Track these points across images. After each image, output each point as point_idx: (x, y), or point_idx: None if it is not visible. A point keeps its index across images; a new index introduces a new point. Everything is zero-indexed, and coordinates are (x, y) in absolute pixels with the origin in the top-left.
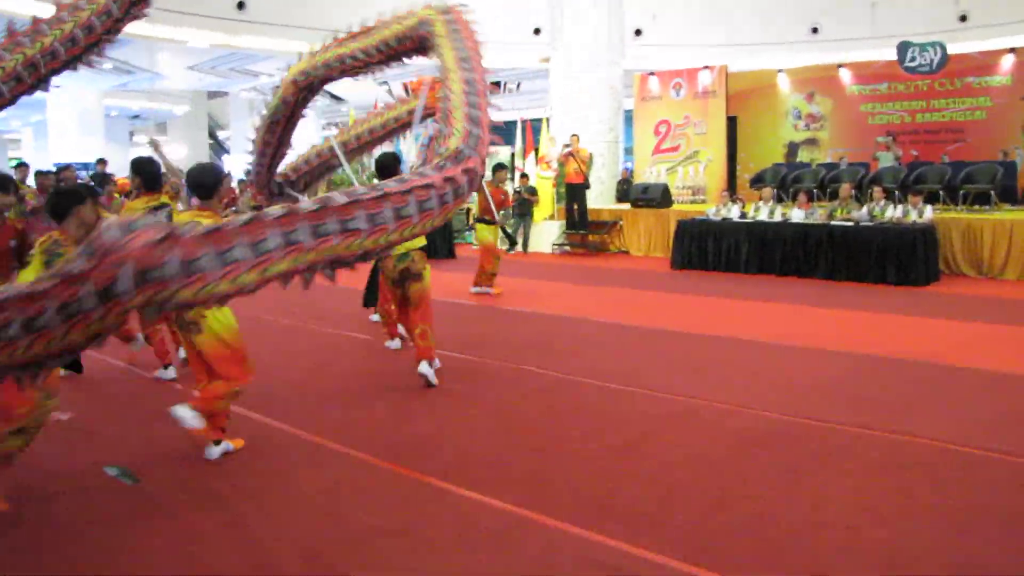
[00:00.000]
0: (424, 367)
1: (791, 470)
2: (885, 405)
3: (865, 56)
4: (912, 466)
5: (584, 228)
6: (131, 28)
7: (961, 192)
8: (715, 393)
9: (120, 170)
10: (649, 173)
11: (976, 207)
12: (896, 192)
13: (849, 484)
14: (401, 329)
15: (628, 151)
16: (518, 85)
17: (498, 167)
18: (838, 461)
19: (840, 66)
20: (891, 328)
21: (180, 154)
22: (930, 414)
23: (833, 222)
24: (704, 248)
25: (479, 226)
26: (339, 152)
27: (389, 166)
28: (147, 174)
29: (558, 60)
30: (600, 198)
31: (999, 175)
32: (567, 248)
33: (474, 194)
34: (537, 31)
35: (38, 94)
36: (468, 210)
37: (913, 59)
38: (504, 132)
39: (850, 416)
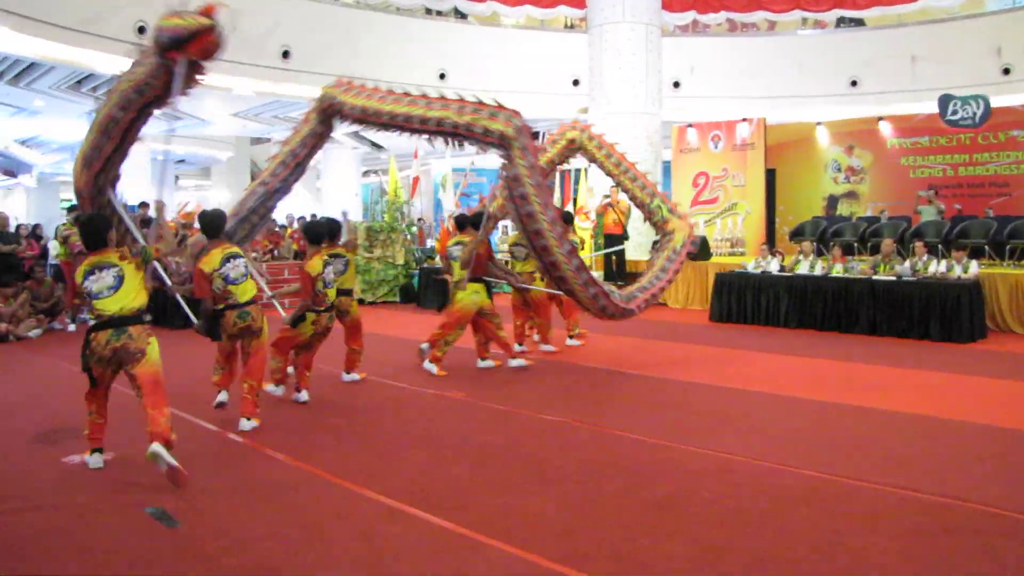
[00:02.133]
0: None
1: (832, 531)
2: (931, 466)
3: (905, 109)
4: (961, 531)
5: (622, 279)
6: None
7: (1007, 247)
8: (753, 449)
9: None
10: None
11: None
12: (939, 247)
13: (894, 548)
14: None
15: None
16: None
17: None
18: (882, 524)
19: (880, 119)
20: (936, 386)
21: (223, 198)
22: (979, 476)
23: (876, 277)
24: (743, 301)
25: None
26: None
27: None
28: (313, 234)
29: (596, 111)
30: (638, 249)
31: None
32: None
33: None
34: (576, 82)
35: None
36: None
37: (955, 112)
38: None
39: (894, 477)
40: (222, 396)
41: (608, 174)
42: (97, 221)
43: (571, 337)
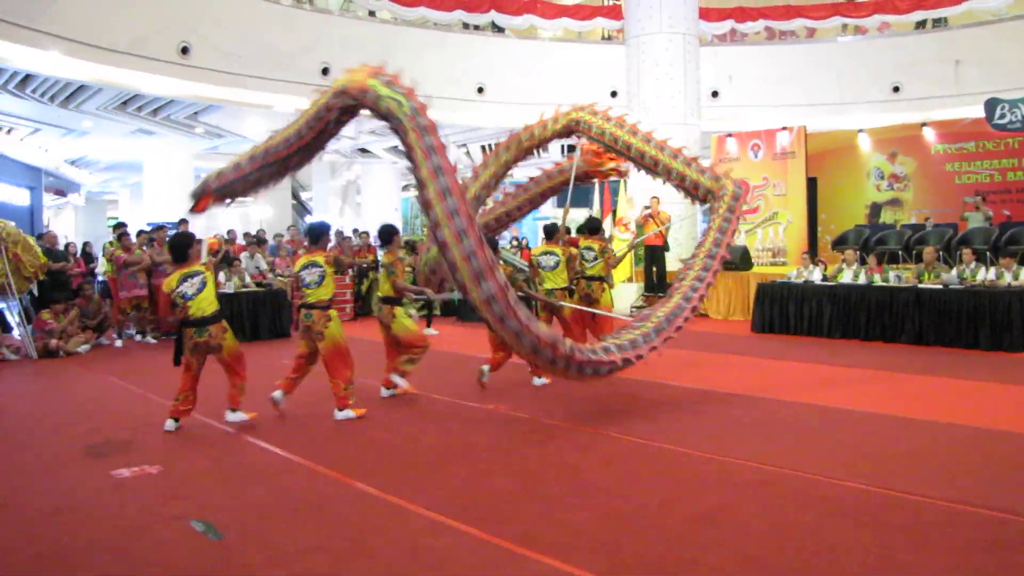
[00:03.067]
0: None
1: (880, 545)
2: (983, 479)
3: (950, 114)
4: (1017, 547)
5: (663, 290)
6: (222, 94)
7: None
8: (798, 461)
9: (205, 230)
10: None
11: None
12: (988, 254)
13: (944, 564)
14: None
15: (706, 213)
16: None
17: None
18: (933, 538)
19: (923, 124)
20: (985, 396)
21: (265, 214)
22: None
23: (921, 285)
24: (785, 311)
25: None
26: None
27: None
28: (175, 251)
29: (635, 122)
30: (679, 260)
31: None
32: (645, 310)
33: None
34: (614, 94)
35: (136, 156)
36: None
37: (1003, 116)
38: (582, 194)
39: (944, 490)
40: (276, 394)
41: (625, 150)
42: (181, 239)
43: None
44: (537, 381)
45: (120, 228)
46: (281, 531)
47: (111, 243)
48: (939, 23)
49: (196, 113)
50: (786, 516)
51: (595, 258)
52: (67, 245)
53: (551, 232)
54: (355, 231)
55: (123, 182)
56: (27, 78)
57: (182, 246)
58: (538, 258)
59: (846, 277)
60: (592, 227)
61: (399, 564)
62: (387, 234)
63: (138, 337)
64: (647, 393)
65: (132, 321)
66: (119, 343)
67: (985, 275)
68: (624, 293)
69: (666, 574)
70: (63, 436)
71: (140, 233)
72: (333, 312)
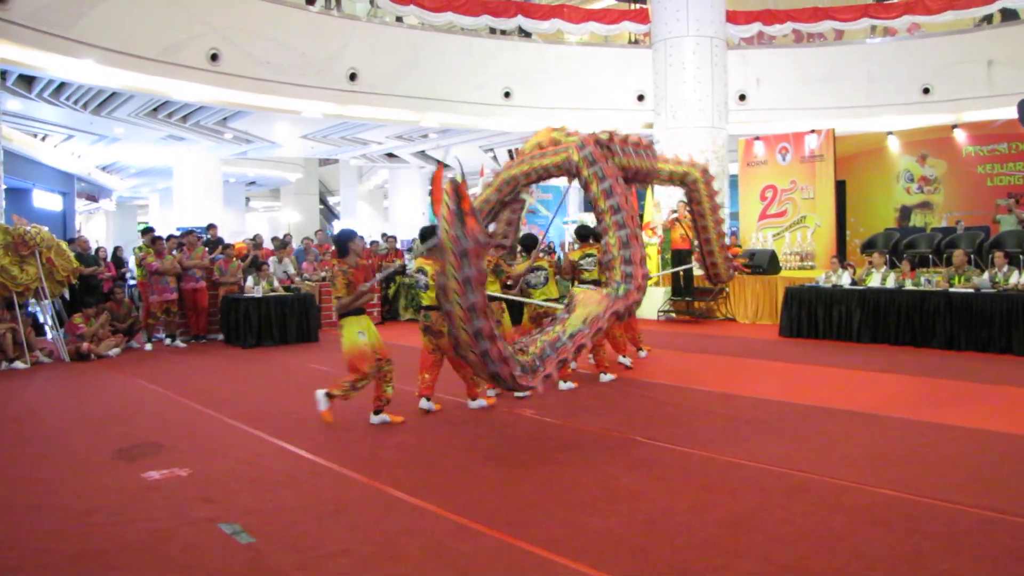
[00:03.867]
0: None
1: (912, 552)
2: (1017, 487)
3: (981, 116)
4: None
5: (690, 295)
6: (251, 100)
7: None
8: (828, 467)
9: (234, 235)
10: (756, 239)
11: None
12: (1021, 257)
13: (978, 572)
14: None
15: (734, 216)
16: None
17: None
18: (967, 547)
19: (954, 127)
20: (1019, 402)
21: (293, 219)
22: None
23: (952, 289)
24: (814, 316)
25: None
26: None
27: (531, 246)
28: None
29: (662, 126)
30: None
31: None
32: (672, 315)
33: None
34: (641, 97)
35: (167, 161)
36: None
37: None
38: None
39: (978, 498)
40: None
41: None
42: (345, 233)
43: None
44: (563, 386)
45: (149, 233)
46: (309, 534)
47: (141, 248)
48: (988, 20)
49: (225, 119)
50: (816, 522)
51: (594, 264)
52: (98, 250)
53: (585, 235)
54: (383, 235)
55: (153, 187)
56: (61, 86)
57: (343, 240)
58: (580, 262)
59: (874, 281)
60: (582, 234)
61: (426, 568)
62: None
63: (167, 341)
64: (675, 398)
65: (162, 325)
66: (148, 347)
67: (1018, 279)
68: (651, 297)
69: None
70: (94, 438)
71: (170, 238)
72: None
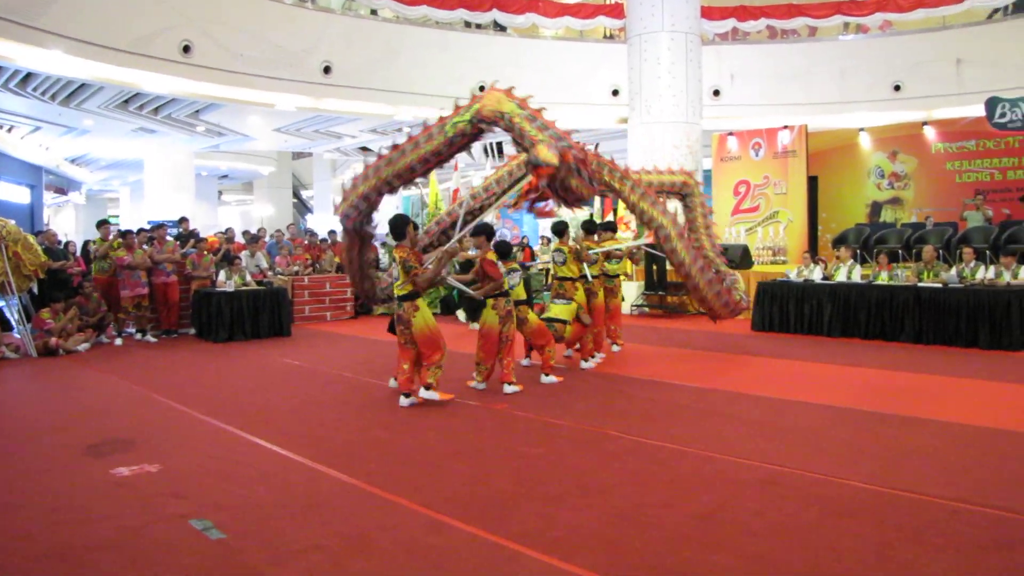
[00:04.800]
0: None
1: (880, 543)
2: (983, 478)
3: (950, 113)
4: (1017, 545)
5: (663, 289)
6: (224, 92)
7: None
8: (799, 460)
9: (206, 228)
10: (728, 234)
11: None
12: (987, 253)
13: (944, 562)
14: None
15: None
16: (596, 146)
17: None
18: (932, 537)
19: (924, 123)
20: (985, 395)
21: (266, 213)
22: None
23: (921, 284)
24: (785, 310)
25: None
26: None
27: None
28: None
29: (636, 121)
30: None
31: None
32: (646, 309)
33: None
34: (615, 92)
35: (137, 154)
36: (547, 271)
37: (1003, 115)
38: None
39: (944, 489)
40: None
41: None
42: (400, 218)
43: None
44: (545, 379)
45: (105, 225)
46: (281, 530)
47: (95, 241)
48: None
49: (197, 112)
50: (787, 514)
51: (564, 261)
52: (67, 243)
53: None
54: None
55: (124, 180)
56: (28, 76)
57: (400, 225)
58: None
59: (841, 275)
60: (558, 230)
61: (399, 562)
62: (398, 227)
63: (138, 336)
64: (647, 392)
65: (133, 320)
66: (119, 342)
67: (985, 274)
68: (625, 292)
69: (667, 573)
70: (62, 435)
71: (140, 231)
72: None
